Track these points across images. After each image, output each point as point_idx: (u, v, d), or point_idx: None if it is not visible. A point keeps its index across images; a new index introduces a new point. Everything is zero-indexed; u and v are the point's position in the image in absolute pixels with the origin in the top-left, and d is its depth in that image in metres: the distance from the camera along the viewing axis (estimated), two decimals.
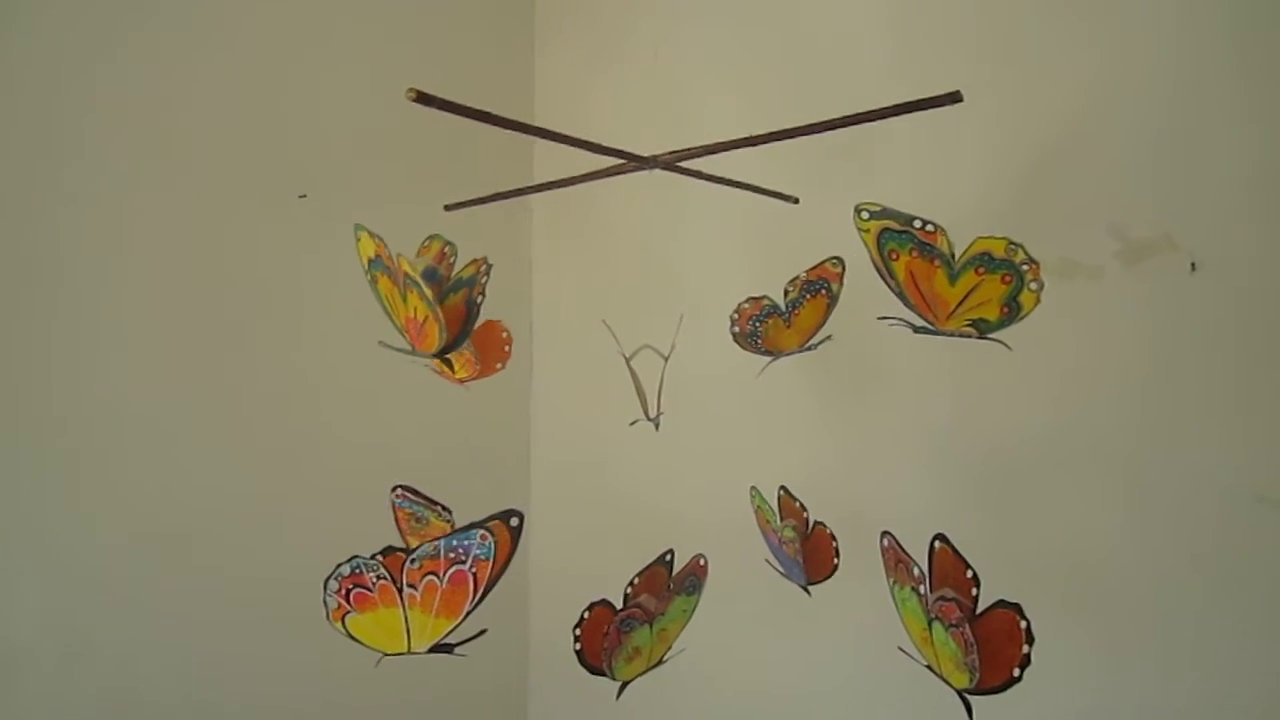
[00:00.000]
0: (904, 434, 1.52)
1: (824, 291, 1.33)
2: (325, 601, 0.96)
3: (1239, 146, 1.18)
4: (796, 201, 1.37)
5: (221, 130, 1.67)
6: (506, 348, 1.33)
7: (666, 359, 1.30)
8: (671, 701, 1.82)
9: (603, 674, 1.10)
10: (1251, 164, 1.17)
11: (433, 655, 1.84)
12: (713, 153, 1.16)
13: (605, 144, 1.19)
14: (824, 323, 1.33)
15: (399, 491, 1.25)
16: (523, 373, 2.09)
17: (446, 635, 0.98)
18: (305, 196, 1.73)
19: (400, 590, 0.96)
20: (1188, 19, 1.22)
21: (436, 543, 0.96)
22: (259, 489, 1.72)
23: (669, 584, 1.20)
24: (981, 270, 1.05)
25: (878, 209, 1.06)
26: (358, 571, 0.96)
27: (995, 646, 1.00)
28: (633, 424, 1.28)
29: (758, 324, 1.34)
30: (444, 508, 1.27)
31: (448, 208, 1.31)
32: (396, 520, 1.24)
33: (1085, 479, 1.32)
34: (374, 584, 0.95)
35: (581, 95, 2.07)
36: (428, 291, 1.02)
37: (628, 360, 1.26)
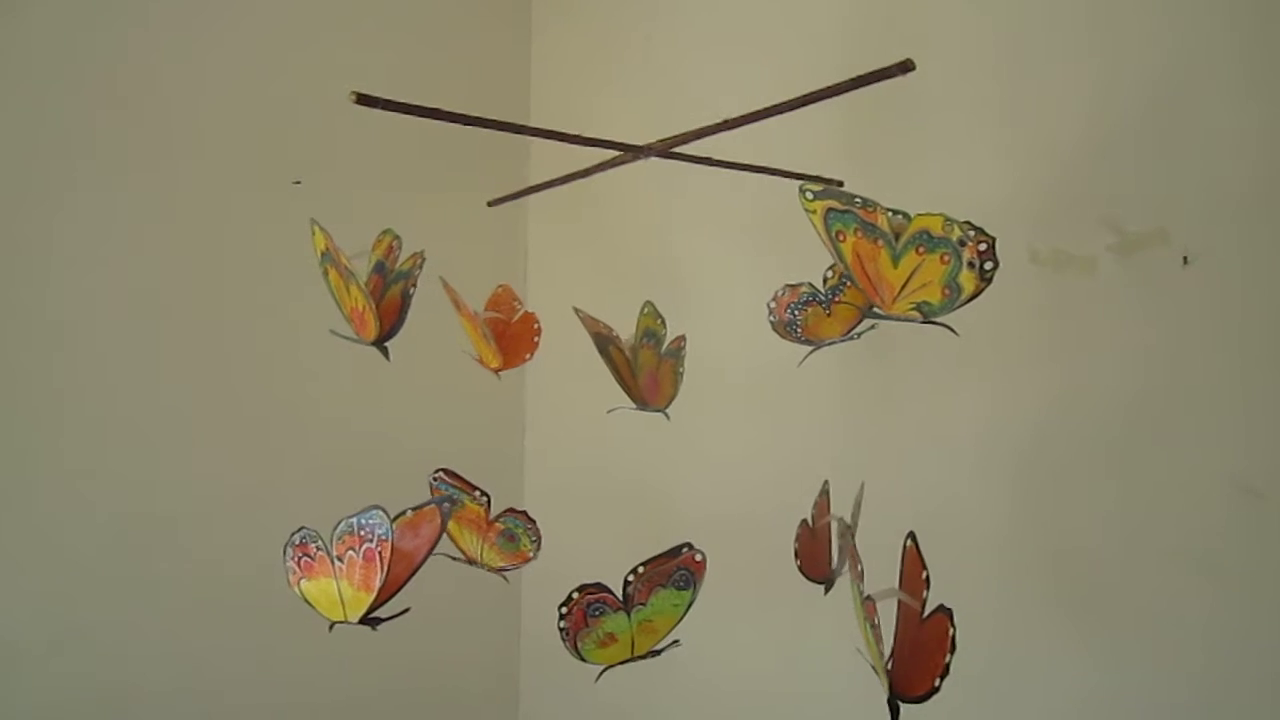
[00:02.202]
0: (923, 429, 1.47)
1: None
2: (285, 567, 1.04)
3: (1233, 141, 1.17)
4: (841, 185, 1.31)
5: (218, 123, 1.72)
6: (536, 339, 1.37)
7: (659, 348, 1.28)
8: (665, 697, 1.81)
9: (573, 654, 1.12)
10: (1245, 158, 1.16)
11: (425, 646, 1.93)
12: (698, 137, 1.15)
13: (607, 137, 1.21)
14: (869, 310, 1.26)
15: (438, 474, 1.33)
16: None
17: (370, 609, 1.02)
18: (300, 183, 1.78)
19: (332, 562, 1.03)
20: (1185, 14, 1.20)
21: (350, 520, 1.02)
22: (248, 478, 1.75)
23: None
24: (922, 250, 0.98)
25: (819, 188, 1.00)
26: (304, 541, 1.04)
27: (928, 653, 0.94)
28: (610, 412, 1.28)
29: (796, 312, 1.28)
30: (482, 492, 1.33)
31: (490, 204, 1.37)
32: None
33: (1076, 470, 1.31)
34: (315, 554, 1.03)
35: (580, 88, 2.08)
36: (361, 283, 1.09)
37: (607, 346, 1.26)
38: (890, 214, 0.99)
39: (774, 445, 1.65)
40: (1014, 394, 1.37)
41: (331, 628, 1.03)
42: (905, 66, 0.95)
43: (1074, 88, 1.30)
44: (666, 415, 1.31)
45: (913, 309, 1.00)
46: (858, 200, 0.99)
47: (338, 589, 1.03)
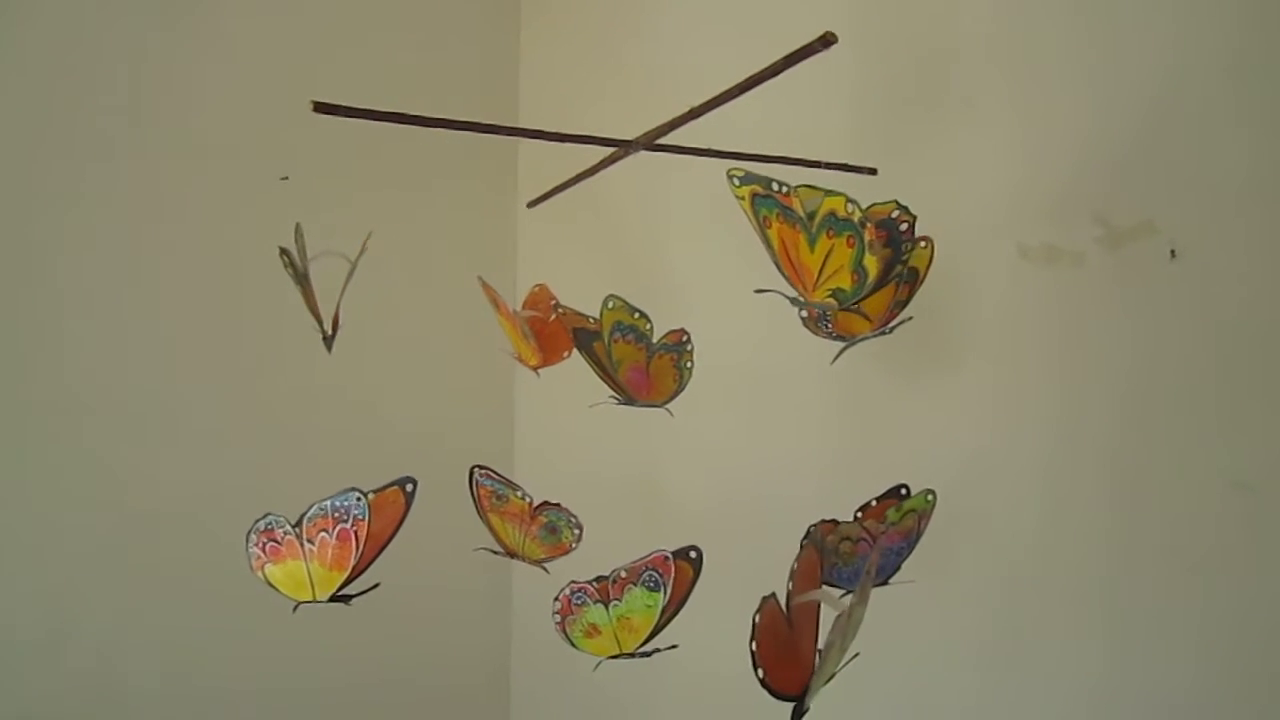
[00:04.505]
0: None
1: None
2: (248, 553, 1.11)
3: (1221, 134, 1.16)
4: (874, 172, 1.26)
5: (219, 124, 1.75)
6: None
7: (641, 342, 1.27)
8: (658, 694, 1.77)
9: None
10: (1234, 152, 1.15)
11: (418, 642, 1.96)
12: (672, 129, 1.15)
13: (603, 131, 1.23)
14: (897, 301, 1.20)
15: (482, 471, 1.38)
16: (505, 359, 1.97)
17: (341, 587, 1.09)
18: (287, 178, 1.79)
19: (302, 545, 1.10)
20: (1179, 11, 1.19)
21: (324, 503, 1.10)
22: (241, 473, 1.75)
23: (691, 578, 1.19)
24: (832, 233, 0.93)
25: (743, 173, 0.98)
26: (270, 527, 1.10)
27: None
28: (592, 406, 1.27)
29: (826, 307, 1.23)
30: (522, 489, 1.37)
31: (530, 204, 1.40)
32: (478, 497, 1.36)
33: (1067, 465, 1.29)
34: (282, 538, 1.10)
35: (571, 82, 2.05)
36: (301, 286, 1.17)
37: (590, 342, 1.26)
38: (824, 195, 0.95)
39: (771, 442, 1.59)
40: (1005, 389, 1.34)
41: (296, 608, 1.09)
42: (826, 40, 0.92)
43: (1067, 83, 1.29)
44: (669, 411, 1.29)
45: (829, 296, 0.95)
46: (774, 184, 0.95)
47: (307, 570, 1.09)
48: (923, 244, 1.18)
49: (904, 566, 1.19)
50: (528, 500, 1.36)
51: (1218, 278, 1.15)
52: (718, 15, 1.76)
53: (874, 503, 1.20)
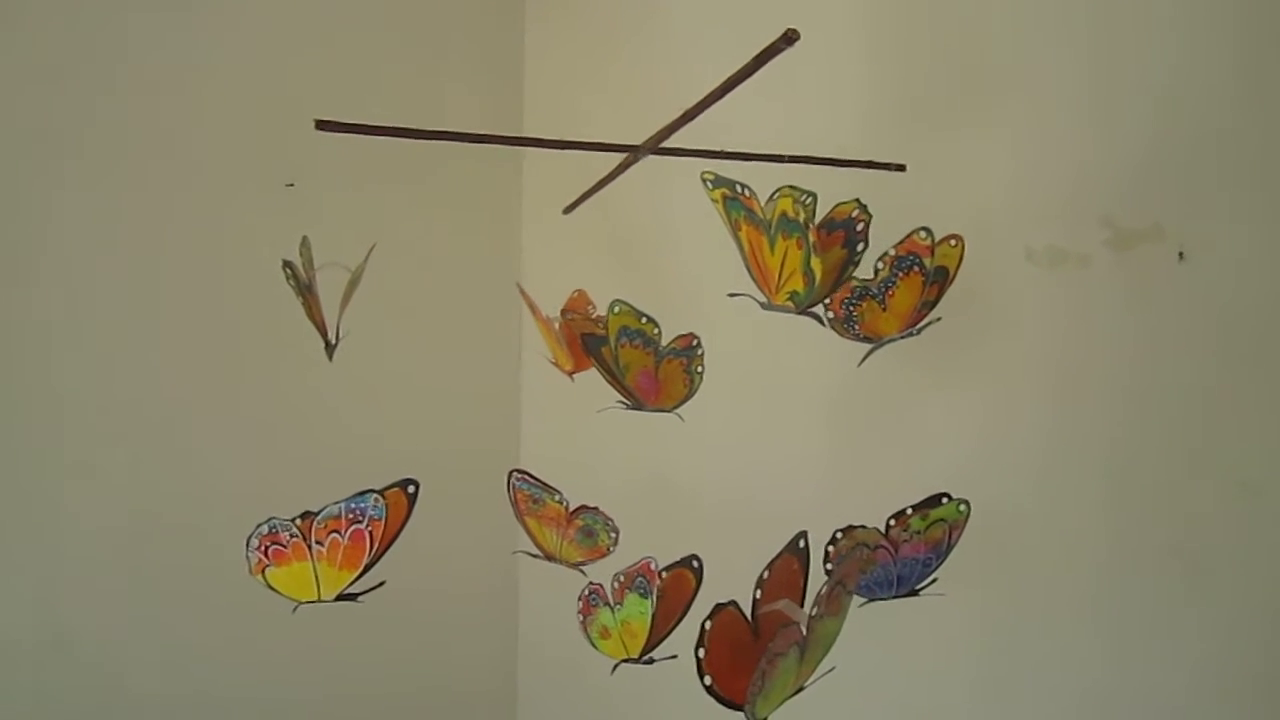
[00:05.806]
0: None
1: (916, 268, 1.17)
2: (247, 557, 1.13)
3: (1231, 138, 1.17)
4: (903, 169, 1.23)
5: (220, 130, 1.73)
6: None
7: (649, 346, 1.26)
8: (664, 700, 1.69)
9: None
10: (1242, 155, 1.16)
11: (419, 653, 1.96)
12: (670, 133, 1.14)
13: (608, 130, 1.24)
14: (925, 302, 1.17)
15: (518, 475, 1.40)
16: (510, 364, 1.95)
17: (349, 586, 1.13)
18: (293, 185, 1.76)
19: (310, 546, 1.14)
20: (1185, 15, 1.21)
21: (338, 504, 1.13)
22: (242, 477, 1.73)
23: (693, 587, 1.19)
24: (786, 235, 0.92)
25: (714, 176, 0.98)
26: (274, 531, 1.13)
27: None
28: (599, 412, 1.27)
29: (851, 307, 1.20)
30: (559, 493, 1.39)
31: (565, 210, 1.41)
32: (515, 500, 1.39)
33: (1072, 466, 1.30)
34: (288, 541, 1.14)
35: (576, 84, 2.02)
36: (304, 297, 1.21)
37: (599, 347, 1.26)
38: (779, 196, 0.94)
39: (784, 447, 1.57)
40: (1008, 391, 1.35)
41: (296, 609, 1.12)
42: (789, 38, 0.91)
43: (1075, 85, 1.30)
44: (680, 416, 1.28)
45: (788, 299, 0.94)
46: (738, 186, 0.95)
47: (314, 571, 1.13)
48: (952, 242, 1.15)
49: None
50: (564, 504, 1.38)
51: (1226, 281, 1.15)
52: (726, 16, 1.73)
53: (909, 510, 1.17)
